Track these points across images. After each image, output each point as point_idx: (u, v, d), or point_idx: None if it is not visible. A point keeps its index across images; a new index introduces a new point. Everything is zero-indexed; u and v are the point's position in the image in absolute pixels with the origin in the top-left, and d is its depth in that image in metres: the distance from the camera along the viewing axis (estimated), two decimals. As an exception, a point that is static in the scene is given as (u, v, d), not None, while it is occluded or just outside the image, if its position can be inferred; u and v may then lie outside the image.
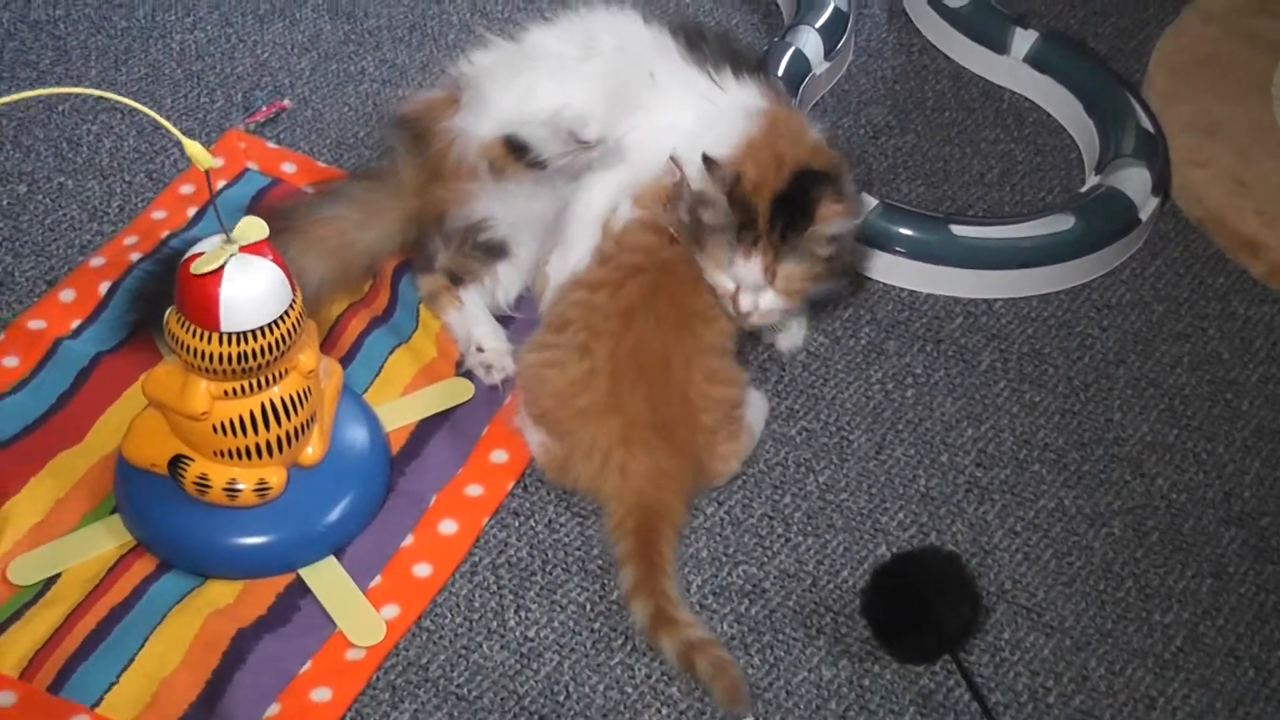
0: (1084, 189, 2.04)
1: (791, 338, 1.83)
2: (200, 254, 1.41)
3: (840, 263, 1.68)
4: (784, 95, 1.84)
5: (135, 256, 1.84)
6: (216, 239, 1.42)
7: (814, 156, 1.66)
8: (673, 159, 1.67)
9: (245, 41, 2.20)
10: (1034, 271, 1.93)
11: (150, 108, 2.04)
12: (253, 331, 1.41)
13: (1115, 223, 1.96)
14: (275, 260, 1.42)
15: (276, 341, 1.42)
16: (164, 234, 1.88)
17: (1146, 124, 2.08)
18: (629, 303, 1.63)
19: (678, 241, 1.66)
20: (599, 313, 1.64)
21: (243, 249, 1.40)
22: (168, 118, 2.05)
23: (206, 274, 1.39)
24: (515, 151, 1.72)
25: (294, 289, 1.44)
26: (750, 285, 1.64)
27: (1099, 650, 1.57)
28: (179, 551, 1.54)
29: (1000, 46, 2.24)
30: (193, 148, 1.32)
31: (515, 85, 1.75)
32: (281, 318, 1.42)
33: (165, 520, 1.53)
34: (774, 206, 1.61)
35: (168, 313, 1.45)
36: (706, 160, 1.62)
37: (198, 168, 1.34)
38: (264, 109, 2.07)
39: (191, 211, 1.91)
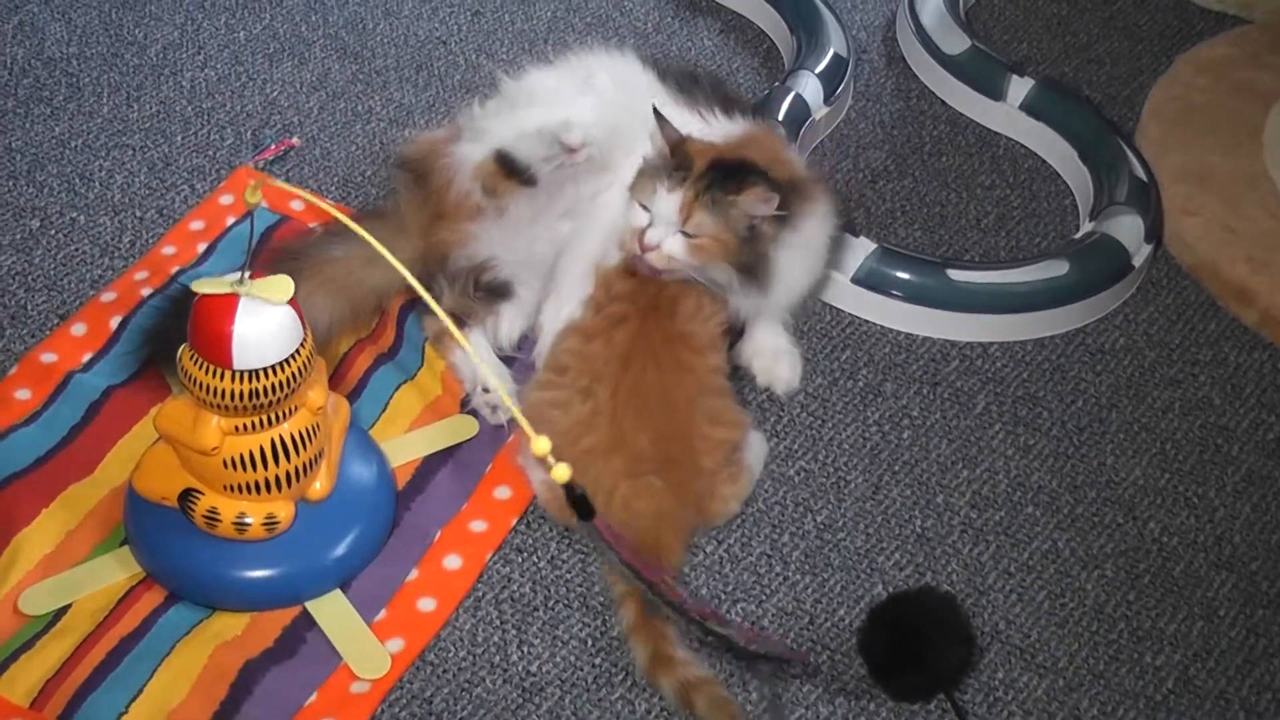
0: (1078, 235, 2.07)
1: (786, 379, 1.84)
2: (214, 294, 1.43)
3: (751, 252, 1.69)
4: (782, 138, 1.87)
5: (146, 291, 1.86)
6: (232, 277, 1.43)
7: (775, 166, 1.71)
8: (656, 111, 1.71)
9: (255, 80, 2.23)
10: (1029, 316, 1.95)
11: (160, 144, 2.09)
12: (264, 369, 1.43)
13: (1109, 269, 1.99)
14: (288, 300, 1.44)
15: (287, 379, 1.45)
16: (174, 270, 1.90)
17: (1140, 172, 2.11)
18: (624, 347, 1.67)
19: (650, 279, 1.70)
20: (598, 359, 1.67)
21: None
22: (178, 154, 2.08)
23: (214, 300, 1.41)
24: (506, 168, 1.75)
25: (305, 328, 1.46)
26: (663, 219, 1.67)
27: (1091, 691, 1.59)
28: (188, 583, 1.55)
29: (997, 93, 2.26)
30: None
31: (512, 119, 1.79)
32: (292, 356, 1.44)
33: (175, 553, 1.55)
34: (711, 165, 1.67)
35: (181, 349, 1.46)
36: (657, 113, 1.69)
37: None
38: (273, 146, 2.09)
39: (201, 247, 1.93)
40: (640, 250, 1.68)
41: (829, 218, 1.79)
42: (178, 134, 2.13)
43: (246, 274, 1.43)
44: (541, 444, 1.29)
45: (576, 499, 1.35)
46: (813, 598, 1.64)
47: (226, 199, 2.01)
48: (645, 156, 1.73)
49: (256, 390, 1.44)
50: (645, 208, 1.68)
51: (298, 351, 1.45)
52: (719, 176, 1.66)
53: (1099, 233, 2.02)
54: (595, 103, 1.79)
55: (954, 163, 2.23)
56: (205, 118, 2.16)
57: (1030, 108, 2.24)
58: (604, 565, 1.61)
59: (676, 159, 1.68)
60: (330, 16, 2.35)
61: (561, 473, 1.31)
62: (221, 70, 2.24)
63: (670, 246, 1.67)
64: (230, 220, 1.97)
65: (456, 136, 1.83)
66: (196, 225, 1.97)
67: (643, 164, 1.73)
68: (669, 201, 1.66)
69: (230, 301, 1.42)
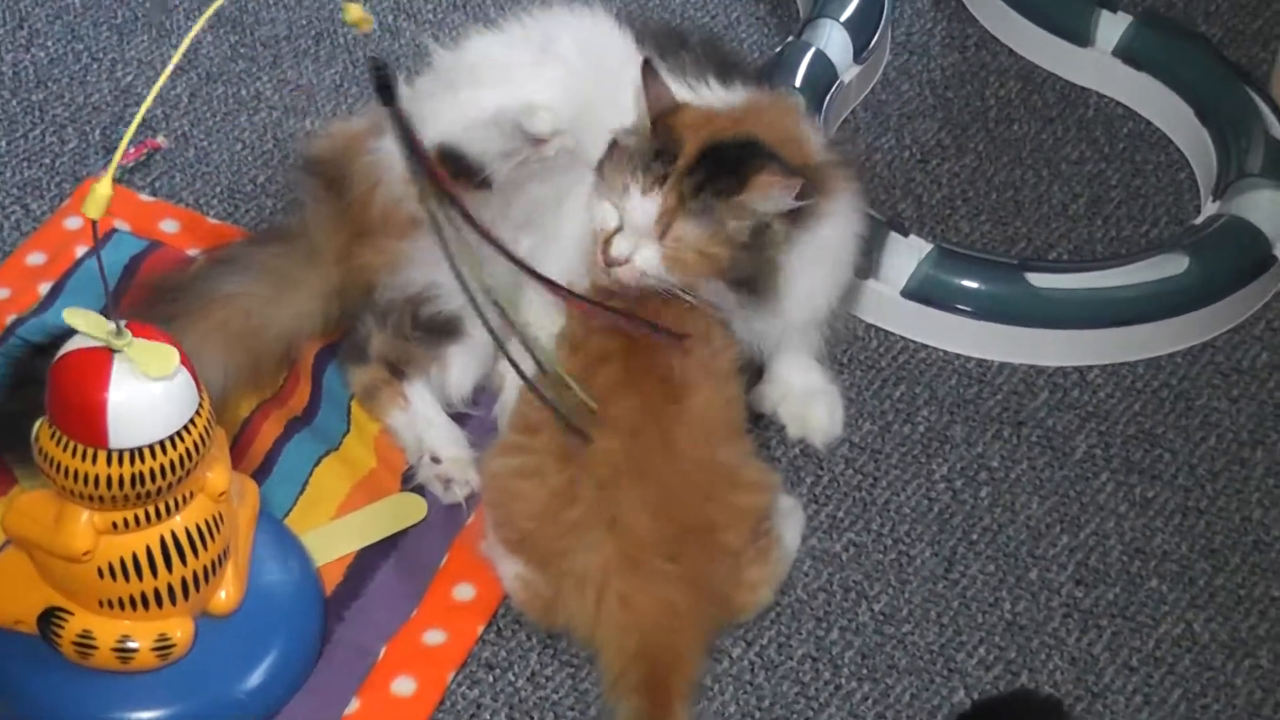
0: (1199, 220, 2.11)
1: (824, 426, 1.90)
2: (76, 350, 1.46)
3: (754, 260, 1.74)
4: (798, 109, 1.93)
5: (-30, 349, 1.88)
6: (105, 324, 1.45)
7: (786, 146, 1.76)
8: (648, 65, 1.76)
9: (100, 61, 2.26)
10: (1138, 329, 2.00)
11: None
12: (150, 447, 1.45)
13: (1242, 263, 2.04)
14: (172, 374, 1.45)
15: (180, 459, 1.47)
16: (9, 319, 1.94)
17: (1279, 132, 2.16)
18: (607, 393, 1.70)
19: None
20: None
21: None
22: (3, 165, 2.12)
23: (81, 359, 1.44)
24: (452, 168, 1.77)
25: (201, 392, 1.49)
26: (634, 228, 1.73)
27: (1246, 819, 1.64)
28: (55, 732, 1.59)
29: (1082, 36, 2.32)
30: None
31: (453, 101, 1.83)
32: (186, 428, 1.47)
33: (35, 693, 1.58)
34: (704, 153, 1.72)
35: (37, 425, 1.49)
36: (647, 66, 1.74)
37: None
38: (132, 150, 2.14)
39: (44, 288, 1.98)
40: (603, 263, 1.74)
41: (854, 212, 1.84)
42: (0, 138, 2.17)
43: (121, 323, 1.45)
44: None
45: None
46: (874, 710, 1.68)
47: (73, 222, 2.06)
48: (615, 130, 1.77)
49: (140, 474, 1.46)
50: (615, 205, 1.74)
51: (193, 422, 1.47)
52: (713, 170, 1.71)
53: (1227, 215, 2.07)
54: (559, 76, 1.84)
55: (1029, 131, 2.28)
56: (36, 114, 2.20)
57: (1128, 53, 2.30)
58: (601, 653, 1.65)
59: (659, 138, 1.73)
60: (195, -29, 2.38)
61: (353, 12, 1.39)
62: (54, 50, 2.28)
63: (643, 261, 1.73)
64: (80, 251, 2.02)
65: (379, 127, 1.85)
66: (35, 259, 2.02)
67: (614, 140, 1.77)
68: (644, 207, 1.72)
69: (102, 359, 1.44)
